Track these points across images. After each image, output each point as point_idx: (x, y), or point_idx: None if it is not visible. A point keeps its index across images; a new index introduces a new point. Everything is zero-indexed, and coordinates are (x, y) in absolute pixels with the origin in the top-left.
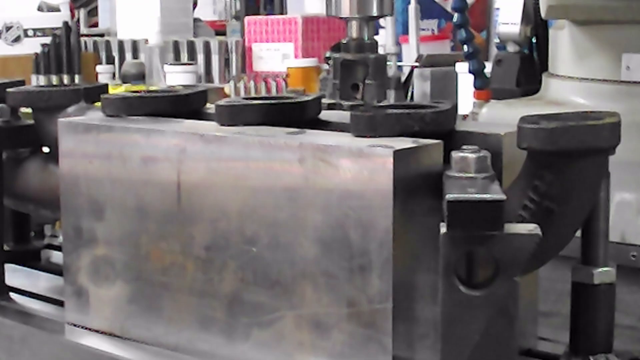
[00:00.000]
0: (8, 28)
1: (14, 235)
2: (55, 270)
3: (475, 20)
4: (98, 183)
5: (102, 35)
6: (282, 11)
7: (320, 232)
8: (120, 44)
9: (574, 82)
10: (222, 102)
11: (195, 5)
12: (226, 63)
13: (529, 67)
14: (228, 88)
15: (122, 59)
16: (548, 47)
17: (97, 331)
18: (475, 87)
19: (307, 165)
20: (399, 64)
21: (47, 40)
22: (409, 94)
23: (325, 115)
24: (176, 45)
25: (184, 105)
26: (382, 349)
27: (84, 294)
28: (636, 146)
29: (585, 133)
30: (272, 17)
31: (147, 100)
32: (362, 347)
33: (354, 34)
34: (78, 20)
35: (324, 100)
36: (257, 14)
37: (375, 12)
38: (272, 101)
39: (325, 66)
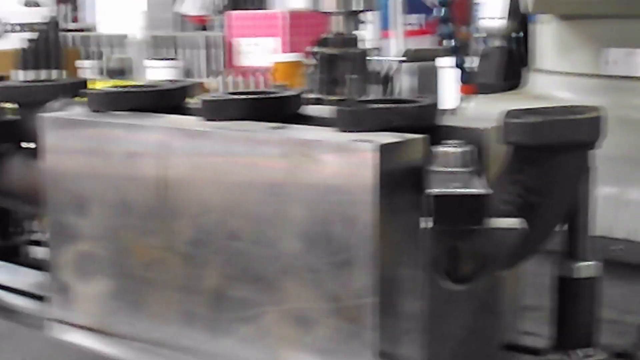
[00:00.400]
0: None
1: None
2: (37, 265)
3: (459, 15)
4: (81, 178)
5: (86, 30)
6: (266, 6)
7: (303, 227)
8: (105, 39)
9: (558, 77)
10: (205, 97)
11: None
12: (210, 58)
13: (515, 61)
14: (212, 83)
15: (106, 54)
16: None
17: (80, 327)
18: (462, 81)
19: (290, 160)
20: (383, 58)
21: (32, 35)
22: (393, 88)
23: (308, 109)
24: (160, 40)
25: (168, 100)
26: (367, 344)
27: (68, 289)
28: (620, 140)
29: (567, 127)
30: (257, 12)
31: (130, 95)
32: (347, 342)
33: (338, 29)
34: (64, 15)
35: (308, 95)
36: (242, 8)
37: (358, 7)
38: (256, 96)
39: (310, 61)
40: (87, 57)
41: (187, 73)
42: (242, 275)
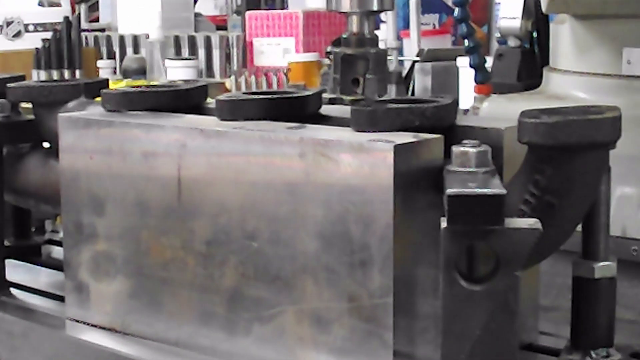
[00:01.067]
0: (9, 23)
1: (15, 231)
2: (56, 265)
3: (476, 14)
4: (98, 178)
5: (103, 30)
6: (283, 6)
7: (320, 226)
8: (121, 38)
9: (574, 77)
10: (222, 97)
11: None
12: (227, 58)
13: (530, 61)
14: (229, 83)
15: (123, 54)
16: (549, 42)
17: (97, 326)
18: (476, 81)
19: (307, 160)
20: (400, 58)
21: (48, 35)
22: (410, 88)
23: (326, 110)
24: (177, 40)
25: (185, 100)
26: (383, 344)
27: (85, 289)
28: (637, 140)
29: (585, 127)
30: (273, 11)
31: (147, 95)
32: (363, 342)
33: (355, 29)
34: (79, 15)
35: (324, 95)
36: (258, 8)
37: (375, 7)
38: (273, 96)
39: (327, 61)
40: (107, 57)
41: (204, 73)
42: (260, 275)
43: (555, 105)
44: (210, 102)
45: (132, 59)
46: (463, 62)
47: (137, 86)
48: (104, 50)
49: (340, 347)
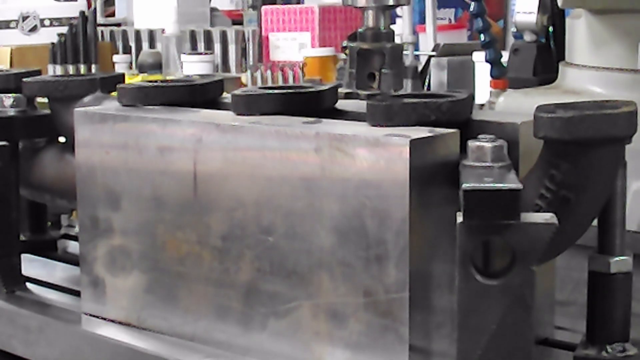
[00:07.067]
0: (24, 18)
1: (31, 225)
2: (72, 260)
3: (492, 9)
4: (114, 173)
5: (118, 24)
6: (299, 0)
7: (336, 221)
8: (137, 33)
9: (590, 71)
10: (238, 91)
11: None
12: (243, 52)
13: (546, 56)
14: (245, 77)
15: (138, 48)
16: (565, 36)
17: (113, 321)
18: (492, 76)
19: (323, 154)
20: (416, 53)
21: (64, 30)
22: (426, 83)
23: (341, 104)
24: (193, 35)
25: (201, 95)
26: (399, 338)
27: (101, 284)
28: None
29: (601, 122)
30: (289, 6)
31: (163, 90)
32: (379, 337)
33: (371, 23)
34: (95, 9)
35: (340, 90)
36: (274, 3)
37: (391, 1)
38: (289, 91)
39: (342, 55)
40: (122, 52)
41: (220, 67)
42: (275, 270)
43: (571, 100)
44: (226, 96)
45: (148, 54)
46: (479, 57)
47: (153, 81)
48: (119, 44)
49: (356, 341)
